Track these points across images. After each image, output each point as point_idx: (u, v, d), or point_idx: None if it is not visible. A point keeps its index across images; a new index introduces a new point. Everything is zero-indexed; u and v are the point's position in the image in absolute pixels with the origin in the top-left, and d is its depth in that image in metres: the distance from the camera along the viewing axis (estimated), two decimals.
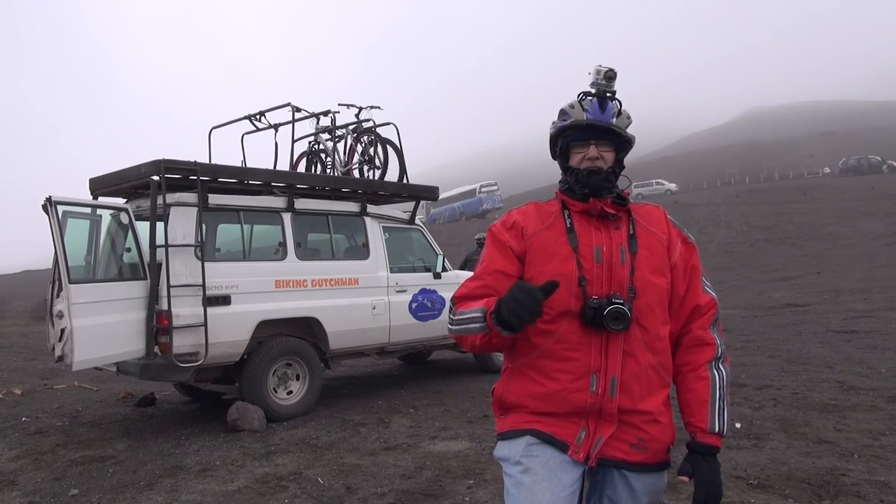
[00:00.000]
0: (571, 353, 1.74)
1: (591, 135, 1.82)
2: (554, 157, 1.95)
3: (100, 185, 6.05)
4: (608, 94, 1.84)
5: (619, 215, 1.84)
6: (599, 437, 1.73)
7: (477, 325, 1.70)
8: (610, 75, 1.83)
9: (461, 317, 1.77)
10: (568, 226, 1.82)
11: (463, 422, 5.59)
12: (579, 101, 1.85)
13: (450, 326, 1.84)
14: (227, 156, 7.09)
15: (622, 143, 1.85)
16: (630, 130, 1.88)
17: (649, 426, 1.75)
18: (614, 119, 1.82)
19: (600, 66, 1.84)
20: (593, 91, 1.85)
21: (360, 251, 6.81)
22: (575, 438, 1.74)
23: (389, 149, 7.55)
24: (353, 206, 6.86)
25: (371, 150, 7.64)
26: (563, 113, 1.87)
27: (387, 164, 7.52)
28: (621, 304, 1.69)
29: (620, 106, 1.85)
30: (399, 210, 7.54)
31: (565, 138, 1.87)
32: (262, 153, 7.85)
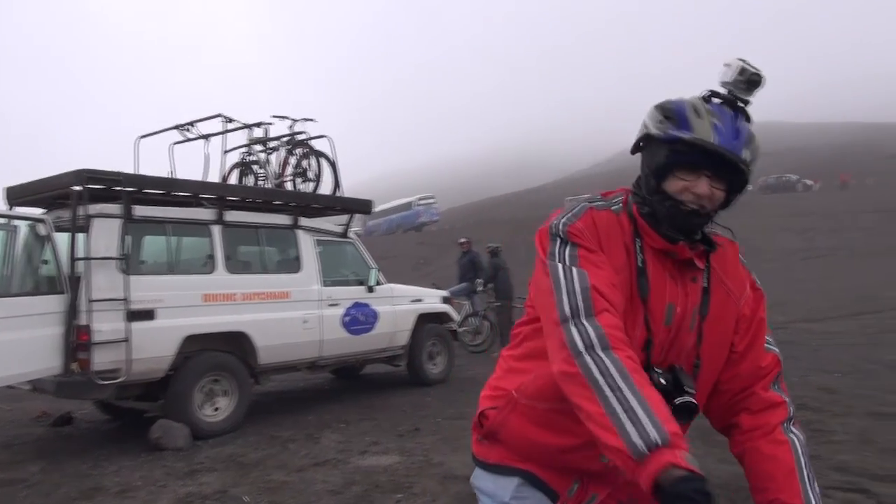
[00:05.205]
0: None
1: (709, 163, 1.31)
2: (636, 150, 1.44)
3: (18, 195, 5.81)
4: (742, 106, 1.35)
5: (701, 267, 1.44)
6: (593, 494, 1.51)
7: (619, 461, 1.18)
8: (755, 80, 1.32)
9: (621, 412, 1.15)
10: (639, 264, 1.38)
11: (393, 436, 5.59)
12: (709, 109, 1.32)
13: (602, 394, 1.18)
14: (155, 166, 6.90)
15: (741, 183, 1.37)
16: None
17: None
18: (746, 150, 1.32)
19: (744, 62, 1.31)
20: (724, 93, 1.34)
21: (292, 264, 6.74)
22: (567, 490, 1.51)
23: (323, 161, 7.53)
24: (285, 219, 6.79)
25: (304, 163, 7.60)
26: (680, 115, 1.32)
27: (320, 176, 7.49)
28: (692, 394, 1.33)
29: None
30: (333, 223, 7.50)
31: (672, 154, 1.33)
32: (193, 164, 7.67)
